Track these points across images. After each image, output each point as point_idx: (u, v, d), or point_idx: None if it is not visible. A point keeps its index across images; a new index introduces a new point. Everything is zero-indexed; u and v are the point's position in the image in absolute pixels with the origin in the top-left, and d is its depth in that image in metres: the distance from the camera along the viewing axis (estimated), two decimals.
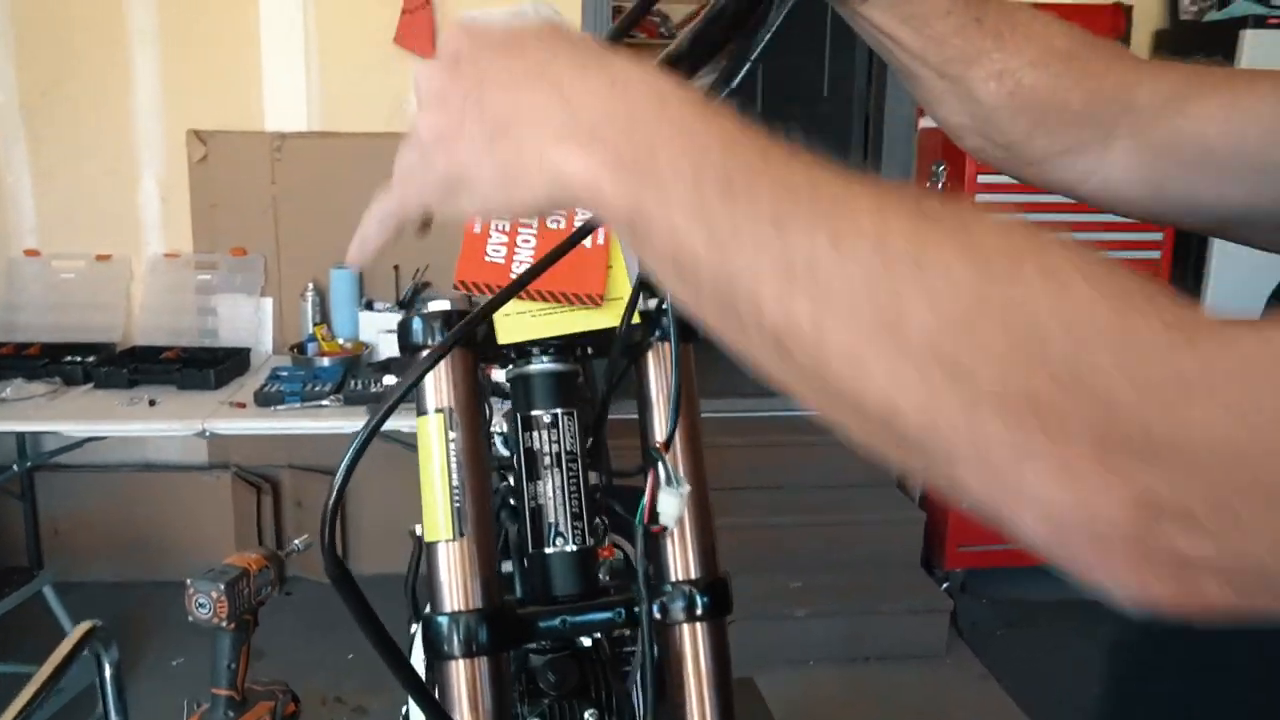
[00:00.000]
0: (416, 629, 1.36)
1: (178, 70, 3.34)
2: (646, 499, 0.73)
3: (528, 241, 0.76)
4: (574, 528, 0.76)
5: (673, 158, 0.40)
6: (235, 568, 1.19)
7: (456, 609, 0.70)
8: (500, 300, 0.62)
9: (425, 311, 0.73)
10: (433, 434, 0.71)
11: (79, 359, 3.04)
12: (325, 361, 3.13)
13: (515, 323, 0.74)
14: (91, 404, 2.82)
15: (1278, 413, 0.33)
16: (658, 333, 0.79)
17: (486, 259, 0.74)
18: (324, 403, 2.84)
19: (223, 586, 1.16)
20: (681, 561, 0.76)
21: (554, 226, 0.76)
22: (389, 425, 2.55)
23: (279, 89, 3.37)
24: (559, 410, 0.77)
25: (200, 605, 1.15)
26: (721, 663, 0.77)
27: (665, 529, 0.75)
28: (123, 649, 2.87)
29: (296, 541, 1.36)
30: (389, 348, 3.25)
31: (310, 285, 3.38)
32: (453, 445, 0.70)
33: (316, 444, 3.45)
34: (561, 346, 0.77)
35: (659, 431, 0.76)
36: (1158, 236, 3.29)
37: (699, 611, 0.76)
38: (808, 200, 0.39)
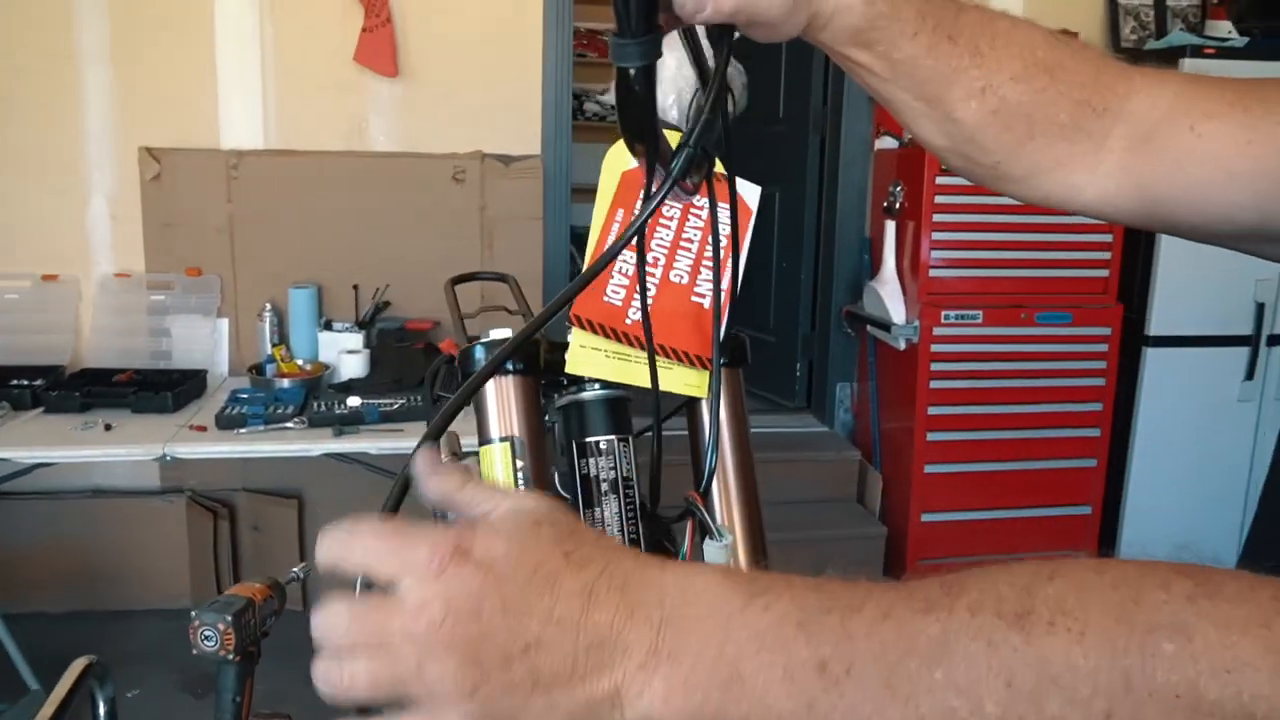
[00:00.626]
0: None
1: (130, 87, 3.27)
2: (687, 546, 0.74)
3: (649, 290, 0.75)
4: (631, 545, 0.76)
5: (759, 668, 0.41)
6: (240, 598, 1.16)
7: None
8: (535, 327, 0.60)
9: (488, 340, 0.72)
10: (498, 462, 0.70)
11: (27, 382, 2.95)
12: (286, 383, 3.08)
13: (587, 357, 0.74)
14: (43, 429, 2.73)
15: None
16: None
17: (604, 299, 0.73)
18: (288, 425, 2.79)
19: (229, 618, 1.13)
20: (734, 566, 0.77)
21: (676, 280, 0.76)
22: (356, 447, 2.54)
23: (235, 107, 3.32)
24: (614, 436, 0.77)
25: (206, 638, 1.12)
26: None
27: None
28: (78, 681, 2.78)
29: (295, 570, 1.33)
30: (350, 368, 3.21)
31: (268, 305, 3.32)
32: (520, 474, 0.70)
33: (272, 467, 3.38)
34: None
35: (713, 450, 0.77)
36: (1108, 238, 3.39)
37: None
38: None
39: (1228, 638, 0.36)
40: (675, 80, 0.73)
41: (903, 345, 3.41)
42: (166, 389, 2.94)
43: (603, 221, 0.76)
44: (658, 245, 0.77)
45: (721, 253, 0.71)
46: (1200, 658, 0.36)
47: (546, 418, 0.77)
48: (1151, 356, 3.40)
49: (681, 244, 0.78)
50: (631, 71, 0.56)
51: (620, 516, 0.76)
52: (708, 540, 0.72)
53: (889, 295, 3.42)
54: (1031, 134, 0.69)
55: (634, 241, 0.69)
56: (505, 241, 3.49)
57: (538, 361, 0.74)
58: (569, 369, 0.74)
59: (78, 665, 1.19)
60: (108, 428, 2.73)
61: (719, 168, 0.72)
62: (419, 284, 3.40)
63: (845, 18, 0.63)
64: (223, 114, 3.32)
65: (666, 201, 0.69)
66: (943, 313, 3.33)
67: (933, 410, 3.39)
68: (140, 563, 3.41)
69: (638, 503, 0.77)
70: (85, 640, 3.21)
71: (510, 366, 0.72)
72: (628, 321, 0.74)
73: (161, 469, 3.41)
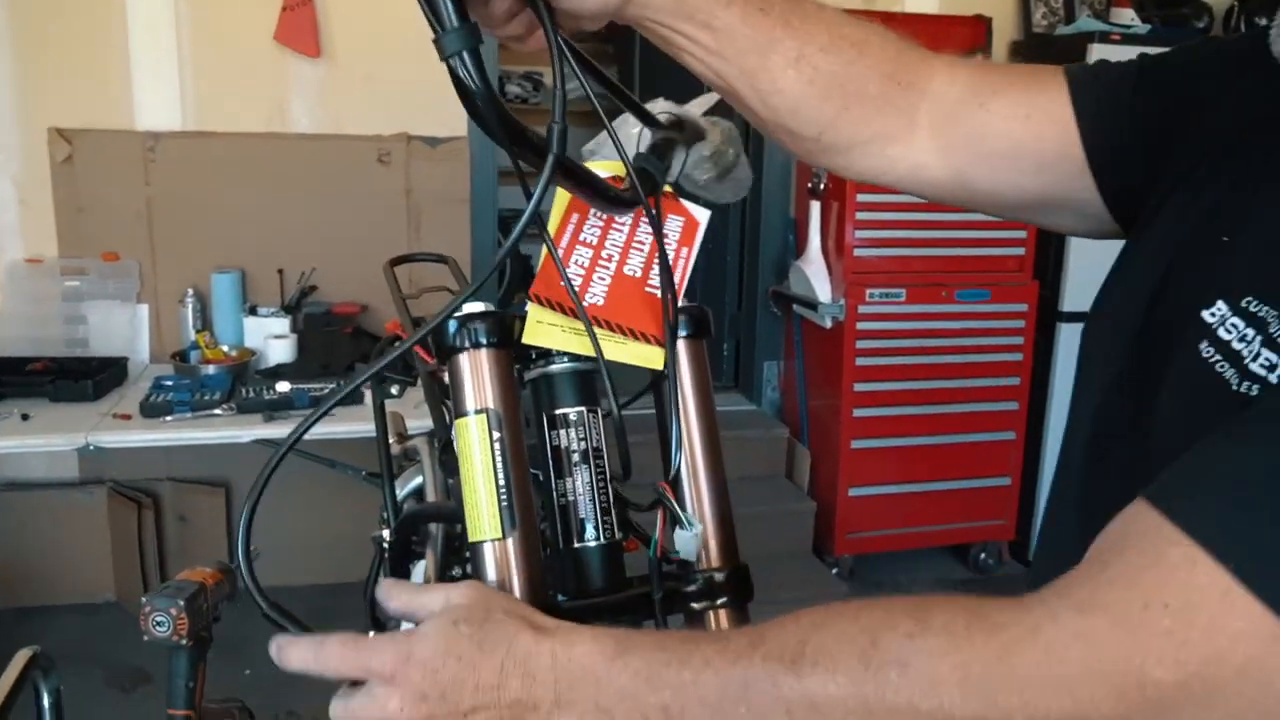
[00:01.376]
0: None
1: (35, 65, 3.15)
2: (658, 534, 0.76)
3: (603, 279, 0.79)
4: (603, 522, 0.78)
5: None
6: (192, 583, 1.14)
7: None
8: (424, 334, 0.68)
9: (461, 313, 0.73)
10: (474, 435, 0.71)
11: None
12: (211, 369, 3.01)
13: (543, 330, 0.76)
14: None
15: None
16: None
17: (561, 283, 0.75)
18: (216, 412, 2.74)
19: (182, 603, 1.11)
20: (704, 551, 0.80)
21: (630, 274, 0.80)
22: (285, 433, 2.50)
23: (150, 87, 3.22)
24: (583, 408, 0.78)
25: (158, 624, 1.11)
26: None
27: (685, 561, 0.78)
28: None
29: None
30: (277, 354, 3.16)
31: (190, 291, 3.25)
32: (497, 445, 0.71)
33: (198, 455, 3.31)
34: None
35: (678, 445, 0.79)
36: (1022, 234, 3.51)
37: (721, 599, 0.80)
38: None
39: (931, 665, 0.51)
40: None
41: (829, 324, 3.48)
42: (86, 377, 2.86)
43: (558, 223, 0.80)
44: (611, 244, 0.82)
45: (670, 260, 0.81)
46: (914, 682, 0.51)
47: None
48: (1066, 332, 3.53)
49: (634, 244, 0.83)
50: (457, 62, 0.59)
51: (591, 486, 0.78)
52: (678, 530, 0.74)
53: (815, 274, 3.49)
54: (847, 104, 0.75)
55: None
56: (432, 224, 3.46)
57: (511, 334, 0.75)
58: (525, 339, 0.76)
59: (21, 657, 1.17)
60: (25, 417, 2.64)
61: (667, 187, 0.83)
62: (345, 267, 3.36)
63: None
64: (138, 94, 3.22)
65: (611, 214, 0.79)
66: (867, 291, 3.41)
67: (859, 387, 3.47)
68: (59, 557, 3.31)
69: (608, 474, 0.79)
70: (3, 638, 3.11)
71: (485, 340, 0.73)
72: (586, 304, 0.77)
73: (81, 460, 3.31)
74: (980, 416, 3.58)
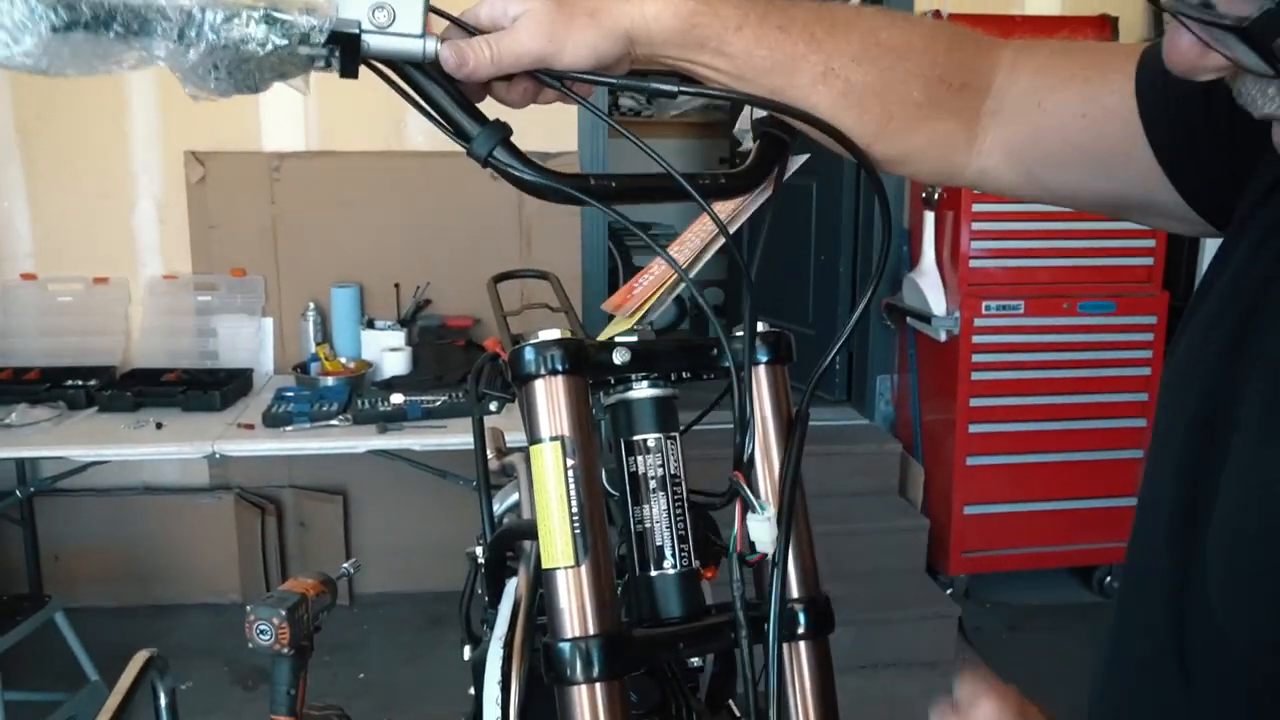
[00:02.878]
0: (469, 652, 1.36)
1: (174, 92, 3.31)
2: (737, 528, 0.74)
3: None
4: (680, 550, 0.77)
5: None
6: (294, 593, 1.18)
7: (578, 634, 0.70)
8: None
9: (537, 341, 0.74)
10: (548, 462, 0.71)
11: (81, 383, 3.02)
12: (330, 381, 3.12)
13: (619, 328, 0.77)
14: (97, 428, 2.80)
15: None
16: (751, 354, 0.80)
17: (633, 293, 0.75)
18: (333, 422, 2.83)
19: (284, 613, 1.15)
20: (782, 581, 0.77)
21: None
22: (400, 444, 2.56)
23: (276, 109, 3.37)
24: (661, 434, 0.78)
25: (262, 632, 1.15)
26: (825, 679, 0.78)
27: (764, 555, 0.76)
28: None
29: (346, 565, 1.36)
30: (392, 366, 3.25)
31: (311, 305, 3.37)
32: (570, 472, 0.71)
33: (317, 464, 3.44)
34: (660, 371, 0.79)
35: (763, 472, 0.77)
36: (1150, 244, 3.35)
37: (801, 630, 0.77)
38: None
39: None
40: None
41: (943, 337, 3.39)
42: (214, 388, 3.00)
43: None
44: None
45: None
46: None
47: (594, 414, 0.79)
48: None
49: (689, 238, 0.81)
50: (496, 161, 0.63)
51: (669, 514, 0.77)
52: (750, 514, 0.72)
53: (929, 286, 3.40)
54: (889, 114, 0.69)
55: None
56: (544, 239, 3.52)
57: (586, 360, 0.75)
58: (605, 335, 0.76)
59: (140, 658, 1.23)
60: (158, 426, 2.79)
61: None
62: (459, 282, 3.44)
63: (663, 21, 0.66)
64: (264, 117, 3.37)
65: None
66: (983, 303, 3.31)
67: (974, 402, 3.36)
68: (190, 558, 3.48)
69: (685, 499, 0.78)
70: (137, 634, 3.28)
71: (560, 366, 0.73)
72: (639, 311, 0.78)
73: (210, 466, 3.47)
74: (1104, 433, 3.43)
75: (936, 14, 3.59)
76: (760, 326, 0.81)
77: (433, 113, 0.67)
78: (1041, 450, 3.42)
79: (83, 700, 2.66)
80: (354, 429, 2.82)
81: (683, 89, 0.69)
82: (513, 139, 0.67)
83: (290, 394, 3.02)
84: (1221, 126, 0.62)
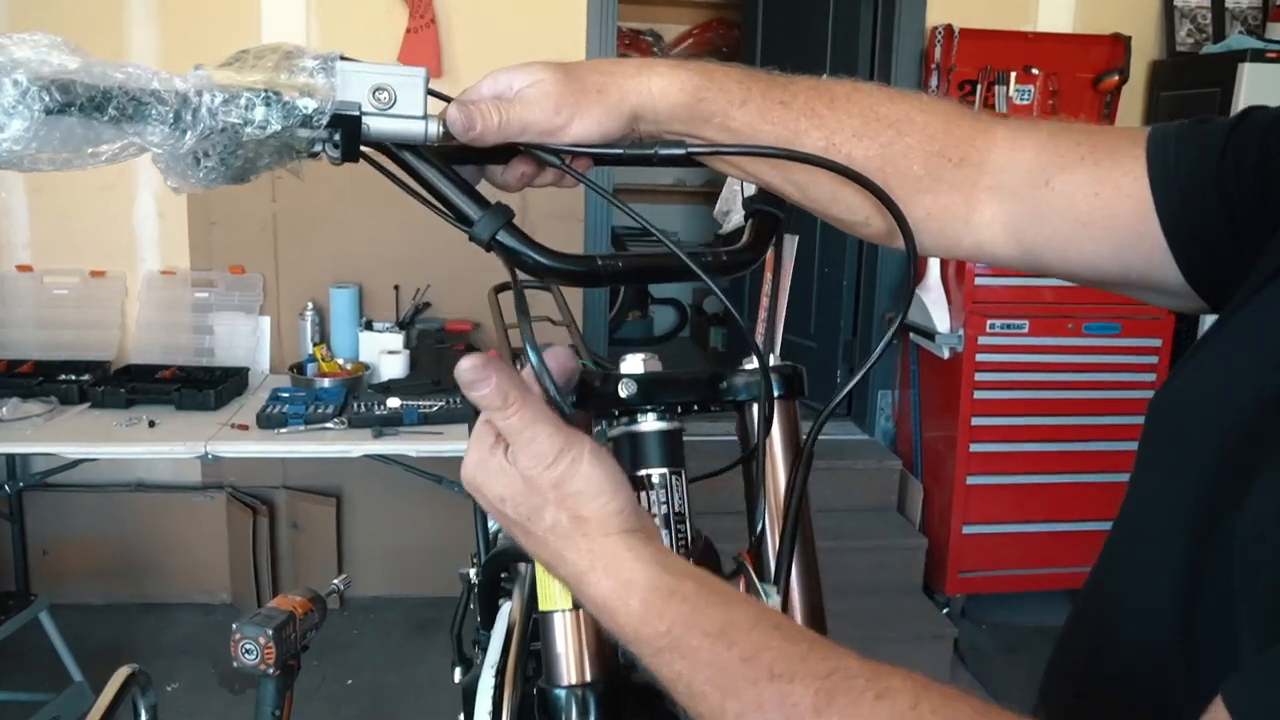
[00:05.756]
0: (459, 674, 1.33)
1: None
2: None
3: None
4: None
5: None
6: (281, 611, 1.15)
7: (575, 681, 0.67)
8: None
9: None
10: None
11: (74, 378, 2.99)
12: (327, 382, 3.09)
13: None
14: (89, 425, 2.76)
15: None
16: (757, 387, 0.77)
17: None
18: (328, 425, 2.80)
19: (270, 632, 1.12)
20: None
21: None
22: (395, 449, 2.53)
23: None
24: (667, 470, 0.75)
25: (247, 651, 1.12)
26: None
27: None
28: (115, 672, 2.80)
29: (336, 581, 1.32)
30: (390, 369, 3.22)
31: (310, 304, 3.34)
32: None
33: (312, 465, 3.41)
34: (666, 404, 0.76)
35: (770, 506, 0.74)
36: (1156, 343, 3.35)
37: None
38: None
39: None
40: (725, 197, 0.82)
41: (946, 354, 3.36)
42: (209, 386, 2.96)
43: None
44: None
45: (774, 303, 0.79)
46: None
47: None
48: None
49: None
50: (502, 244, 0.63)
51: (673, 551, 0.74)
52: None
53: (933, 303, 3.37)
54: (888, 187, 0.69)
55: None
56: (546, 242, 3.47)
57: (591, 393, 0.72)
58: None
59: (121, 674, 1.20)
60: (151, 424, 2.75)
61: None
62: (459, 285, 3.40)
63: (669, 97, 0.66)
64: None
65: None
66: (988, 321, 3.28)
67: (976, 420, 3.33)
68: (181, 557, 3.45)
69: (689, 538, 0.75)
70: (126, 632, 3.25)
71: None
72: None
73: (203, 465, 3.44)
74: (1106, 456, 3.40)
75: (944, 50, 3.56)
76: (771, 360, 0.79)
77: (430, 198, 0.66)
78: (1042, 471, 3.39)
79: (66, 701, 2.63)
80: (349, 432, 2.79)
81: (692, 150, 0.67)
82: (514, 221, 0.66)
83: (286, 395, 2.99)
84: (1232, 206, 0.62)
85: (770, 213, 0.77)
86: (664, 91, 0.66)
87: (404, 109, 0.62)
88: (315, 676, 3.01)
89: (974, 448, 3.35)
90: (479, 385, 0.55)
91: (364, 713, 2.90)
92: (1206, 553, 0.54)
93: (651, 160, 0.68)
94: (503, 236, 0.65)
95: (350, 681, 3.05)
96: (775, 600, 0.70)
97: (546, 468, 0.56)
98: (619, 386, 0.73)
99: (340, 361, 3.27)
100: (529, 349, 0.60)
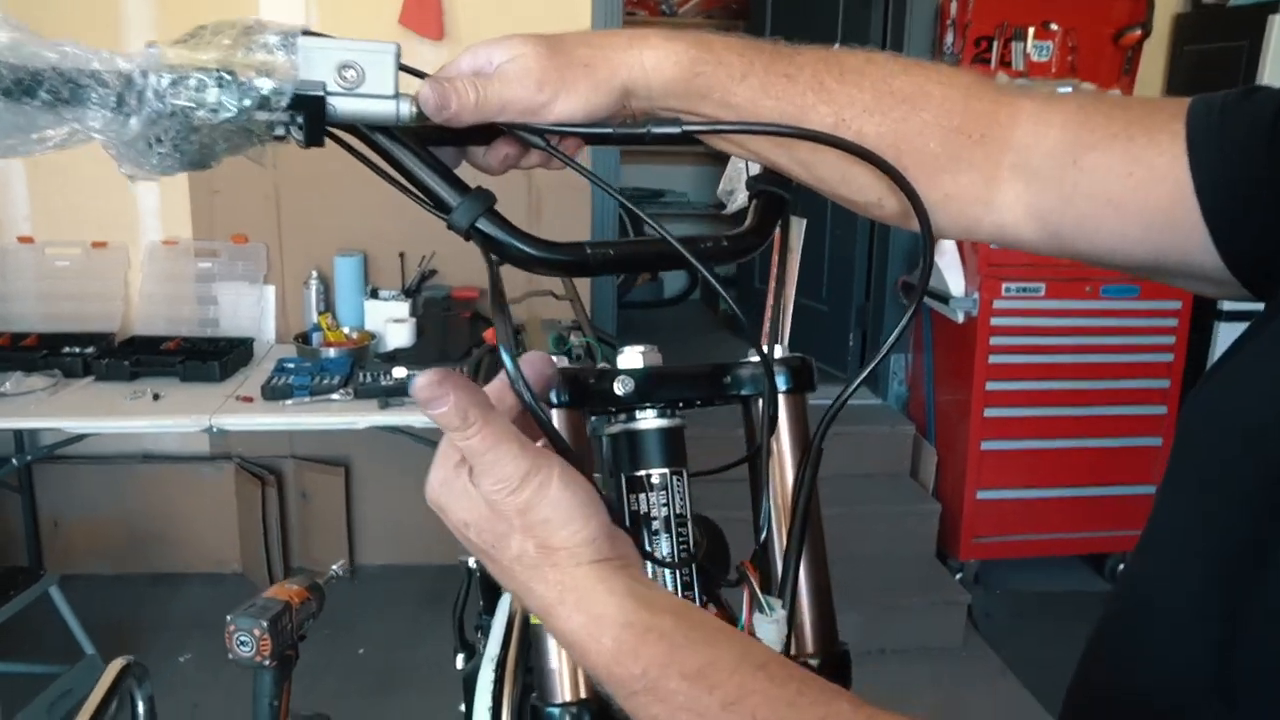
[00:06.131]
0: (461, 661, 1.31)
1: None
2: (745, 616, 0.67)
3: None
4: (684, 597, 0.70)
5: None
6: (277, 601, 1.12)
7: (569, 699, 0.64)
8: None
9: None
10: None
11: (79, 350, 2.96)
12: (332, 352, 3.05)
13: None
14: (93, 398, 2.74)
15: None
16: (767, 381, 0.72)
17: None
18: (333, 396, 2.77)
19: (265, 624, 1.09)
20: (799, 634, 0.71)
21: None
22: (401, 420, 2.49)
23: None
24: (668, 470, 0.70)
25: (242, 644, 1.09)
26: None
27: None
28: (126, 646, 2.81)
29: (335, 567, 1.29)
30: (396, 338, 3.18)
31: (314, 273, 3.30)
32: None
33: (320, 435, 3.38)
34: (668, 400, 0.71)
35: (776, 509, 0.70)
36: (1176, 305, 3.27)
37: None
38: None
39: None
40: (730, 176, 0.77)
41: (960, 318, 3.30)
42: (214, 357, 2.93)
43: None
44: None
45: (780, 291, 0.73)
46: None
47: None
48: (1225, 332, 3.26)
49: None
50: (482, 230, 0.59)
51: (674, 558, 0.70)
52: (757, 614, 0.65)
53: (947, 266, 3.31)
54: (902, 166, 0.64)
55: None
56: (554, 211, 3.42)
57: (584, 391, 0.68)
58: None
59: (115, 666, 1.17)
60: (156, 397, 2.72)
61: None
62: (465, 252, 3.28)
63: (664, 71, 0.61)
64: None
65: None
66: (1003, 285, 3.22)
67: (991, 385, 3.28)
68: (190, 528, 3.44)
69: (690, 542, 0.71)
70: (137, 604, 3.25)
71: (553, 399, 0.66)
72: None
73: (211, 437, 3.41)
74: (1124, 420, 3.35)
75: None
76: (778, 352, 0.74)
77: (405, 183, 0.61)
78: (1057, 436, 3.35)
79: (79, 674, 2.63)
80: (355, 403, 2.75)
81: (689, 127, 0.62)
82: (497, 207, 0.61)
83: (291, 365, 2.96)
84: None
85: (775, 194, 0.72)
86: (658, 66, 0.61)
87: (373, 88, 0.57)
88: (327, 646, 3.01)
89: (988, 412, 3.31)
90: (435, 404, 0.50)
91: (375, 684, 2.90)
92: (1248, 588, 0.49)
93: (644, 140, 0.63)
94: (483, 224, 0.60)
95: (361, 651, 3.05)
96: (780, 613, 0.65)
97: (511, 493, 0.51)
98: (615, 384, 0.69)
99: (346, 331, 3.24)
100: (504, 354, 0.56)
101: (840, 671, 0.72)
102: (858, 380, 0.70)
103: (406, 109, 0.58)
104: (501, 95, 0.59)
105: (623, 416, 0.72)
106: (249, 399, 2.74)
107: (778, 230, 0.75)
